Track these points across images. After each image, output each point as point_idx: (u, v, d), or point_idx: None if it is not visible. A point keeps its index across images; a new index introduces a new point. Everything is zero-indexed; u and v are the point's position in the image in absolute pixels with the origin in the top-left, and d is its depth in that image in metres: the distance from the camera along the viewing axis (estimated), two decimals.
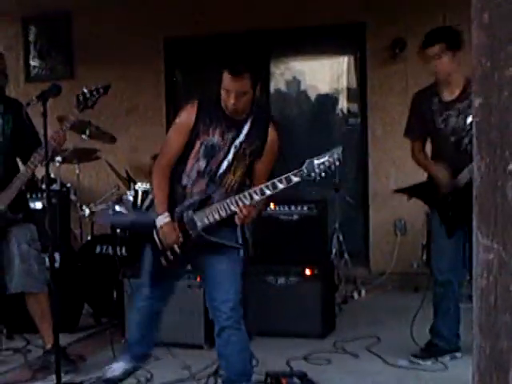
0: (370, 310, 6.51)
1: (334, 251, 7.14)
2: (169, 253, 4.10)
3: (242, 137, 4.04)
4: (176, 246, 4.08)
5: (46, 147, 4.17)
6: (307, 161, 3.80)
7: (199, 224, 4.00)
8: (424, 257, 6.95)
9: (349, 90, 8.37)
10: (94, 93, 4.60)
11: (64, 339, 4.95)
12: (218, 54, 8.41)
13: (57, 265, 5.54)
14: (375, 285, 7.45)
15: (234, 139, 4.03)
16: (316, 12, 7.80)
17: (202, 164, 4.06)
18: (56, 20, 8.68)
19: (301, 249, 5.79)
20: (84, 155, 6.91)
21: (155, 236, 4.09)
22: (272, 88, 8.50)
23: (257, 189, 3.90)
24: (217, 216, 3.96)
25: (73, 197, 6.88)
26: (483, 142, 2.47)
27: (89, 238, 6.70)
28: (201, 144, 4.04)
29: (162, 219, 4.04)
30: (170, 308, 4.58)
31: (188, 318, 5.26)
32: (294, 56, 8.59)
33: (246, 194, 3.90)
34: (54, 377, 4.19)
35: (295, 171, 3.82)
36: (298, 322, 5.57)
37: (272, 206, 5.92)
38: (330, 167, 3.80)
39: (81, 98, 4.59)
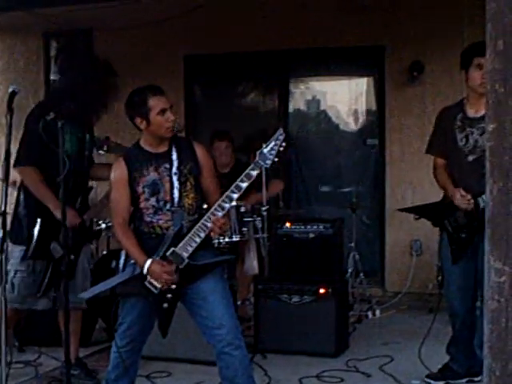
0: (384, 330, 6.50)
1: (349, 270, 7.16)
2: (168, 294, 4.09)
3: (175, 163, 4.15)
4: (172, 284, 4.07)
5: (62, 162, 4.25)
6: (257, 153, 3.99)
7: (185, 254, 4.03)
8: (439, 277, 6.93)
9: (367, 111, 8.42)
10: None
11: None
12: (237, 72, 8.54)
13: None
14: (390, 305, 7.44)
15: (170, 170, 4.15)
16: (336, 34, 7.88)
17: (153, 202, 4.15)
18: (77, 36, 8.75)
19: (316, 267, 5.79)
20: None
21: (148, 284, 4.08)
22: (291, 107, 8.56)
23: (224, 197, 3.99)
24: (198, 239, 4.01)
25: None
26: (496, 166, 2.49)
27: (104, 252, 6.74)
28: (143, 187, 4.15)
29: (148, 263, 4.04)
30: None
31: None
32: (314, 76, 8.65)
33: (216, 206, 3.98)
34: None
35: (252, 166, 4.00)
36: (312, 340, 5.57)
37: (288, 224, 5.94)
38: (279, 150, 3.99)
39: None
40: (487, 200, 4.32)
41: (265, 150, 3.98)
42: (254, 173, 3.99)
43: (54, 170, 4.53)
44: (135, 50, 8.30)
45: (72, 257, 4.81)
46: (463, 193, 4.60)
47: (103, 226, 6.61)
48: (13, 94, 4.34)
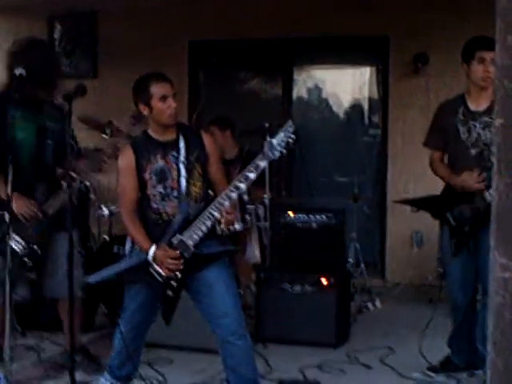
0: (385, 321, 6.49)
1: (350, 260, 7.16)
2: (173, 282, 4.10)
3: (182, 152, 4.16)
4: (177, 272, 4.07)
5: (67, 146, 4.22)
6: (266, 143, 3.97)
7: (190, 242, 4.04)
8: (440, 269, 6.94)
9: (370, 100, 8.40)
10: None
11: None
12: (241, 59, 8.52)
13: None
14: (390, 295, 7.43)
15: (177, 158, 4.16)
16: (340, 22, 7.84)
17: (160, 189, 4.17)
18: (82, 19, 8.73)
19: (318, 257, 5.80)
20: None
21: (152, 271, 4.08)
22: (295, 95, 8.55)
23: (231, 187, 4.00)
24: (204, 228, 4.02)
25: (92, 196, 6.92)
26: (503, 161, 2.49)
27: (106, 237, 6.73)
28: (150, 174, 4.17)
29: (153, 249, 4.06)
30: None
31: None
32: (317, 64, 8.63)
33: (223, 195, 3.99)
34: (66, 374, 4.20)
35: (260, 156, 3.98)
36: (313, 330, 5.57)
37: (291, 213, 5.95)
38: (287, 142, 3.98)
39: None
40: (494, 194, 4.37)
41: (274, 141, 3.97)
42: (263, 164, 3.98)
43: (6, 158, 4.37)
44: (139, 34, 8.27)
45: (36, 249, 4.72)
46: (472, 172, 4.58)
47: (106, 211, 6.63)
48: (20, 77, 4.32)
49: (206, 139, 4.29)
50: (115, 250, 6.23)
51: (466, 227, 4.66)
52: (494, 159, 4.31)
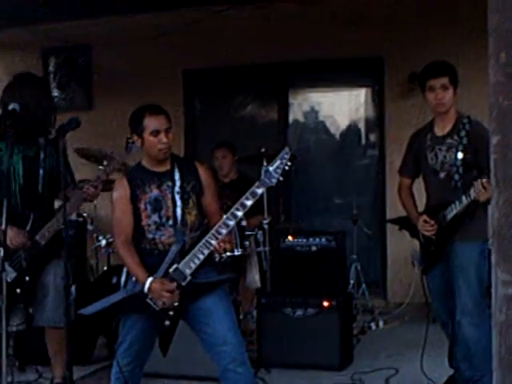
0: (388, 342, 6.47)
1: (351, 281, 7.15)
2: (170, 311, 4.07)
3: (178, 182, 4.16)
4: (174, 302, 4.05)
5: (62, 181, 4.22)
6: (263, 171, 4.00)
7: (188, 271, 4.02)
8: None
9: (367, 121, 8.42)
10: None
11: (77, 372, 4.86)
12: (236, 85, 8.54)
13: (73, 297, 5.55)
14: (393, 315, 7.40)
15: (172, 187, 4.15)
16: (335, 45, 7.88)
17: (156, 218, 4.15)
18: (76, 51, 8.77)
19: (319, 280, 5.78)
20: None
21: (149, 301, 4.06)
22: (291, 119, 8.56)
23: (228, 215, 3.97)
24: (201, 256, 4.00)
25: (89, 227, 6.91)
26: (501, 178, 2.48)
27: (105, 268, 6.71)
28: (145, 204, 4.15)
29: (149, 282, 4.02)
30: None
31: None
32: (313, 87, 8.66)
33: (221, 223, 3.97)
34: None
35: (257, 184, 3.98)
36: (316, 354, 5.55)
37: (290, 237, 5.94)
38: (284, 169, 3.96)
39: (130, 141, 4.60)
40: (456, 210, 4.36)
41: (270, 168, 3.97)
42: (260, 191, 3.97)
43: None
44: (134, 65, 8.31)
45: (27, 278, 4.71)
46: (427, 218, 4.75)
47: (103, 242, 6.62)
48: (13, 112, 4.32)
49: (201, 171, 4.28)
50: (114, 280, 6.20)
51: (431, 247, 4.78)
52: (457, 178, 4.50)
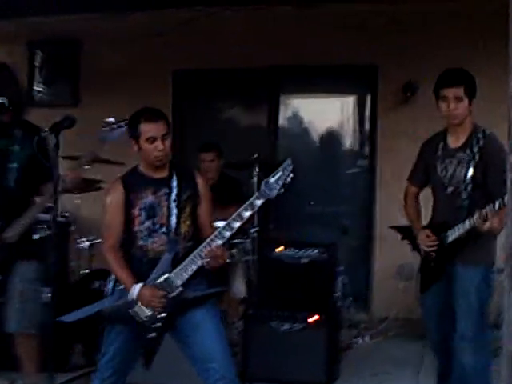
0: (374, 357, 6.36)
1: (337, 295, 7.01)
2: (157, 324, 3.94)
3: (175, 190, 4.05)
4: (162, 312, 3.94)
5: (56, 180, 4.01)
6: (263, 182, 3.88)
7: (179, 282, 3.92)
8: None
9: (359, 131, 8.31)
10: (122, 124, 4.43)
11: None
12: (226, 88, 8.41)
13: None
14: (377, 330, 7.28)
15: (169, 195, 4.04)
16: (329, 51, 7.75)
17: (149, 224, 4.04)
18: (64, 46, 8.58)
19: (308, 293, 5.66)
20: (86, 185, 6.74)
21: (136, 311, 3.94)
22: (280, 125, 8.42)
23: (225, 225, 3.89)
24: (194, 267, 3.91)
25: (72, 227, 6.72)
26: None
27: (86, 271, 6.50)
28: (139, 210, 4.05)
29: (137, 289, 3.92)
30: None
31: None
32: (305, 93, 8.52)
33: (217, 233, 3.87)
34: None
35: (256, 194, 3.89)
36: (302, 369, 5.42)
37: (280, 248, 5.79)
38: (285, 180, 3.87)
39: (107, 128, 4.43)
40: (459, 233, 4.23)
41: (271, 180, 3.86)
42: (259, 202, 3.87)
43: None
44: (123, 63, 8.13)
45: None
46: (429, 233, 4.61)
47: (86, 243, 6.43)
48: (2, 106, 4.19)
49: (200, 181, 4.19)
50: (95, 285, 6.03)
51: (431, 263, 4.65)
52: (465, 196, 4.39)
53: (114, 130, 4.45)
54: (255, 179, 6.29)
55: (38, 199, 4.69)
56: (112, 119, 4.46)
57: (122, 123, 4.41)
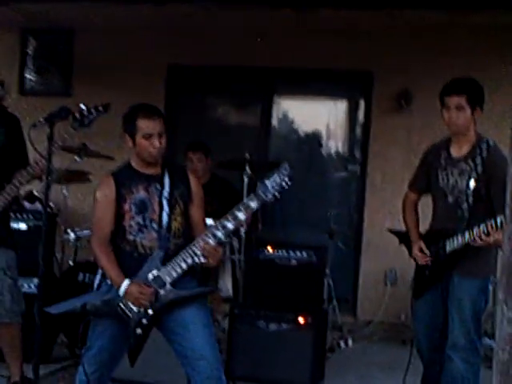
0: (358, 361, 6.36)
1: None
2: (144, 319, 3.90)
3: (167, 187, 4.03)
4: (149, 309, 3.90)
5: (48, 169, 3.96)
6: (259, 184, 3.83)
7: (168, 279, 3.88)
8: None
9: (351, 135, 8.33)
10: (93, 111, 4.31)
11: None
12: (221, 86, 8.38)
13: (35, 291, 5.36)
14: (361, 333, 7.31)
15: (160, 191, 4.02)
16: (325, 55, 7.76)
17: (139, 220, 4.00)
18: (58, 35, 8.51)
19: (295, 295, 5.63)
20: (74, 177, 6.70)
21: (123, 307, 3.90)
22: (273, 126, 8.42)
23: (217, 224, 3.85)
24: (184, 265, 3.87)
25: (57, 219, 6.66)
26: None
27: (71, 263, 6.44)
28: (130, 205, 4.01)
29: (125, 285, 3.87)
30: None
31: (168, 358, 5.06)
32: (299, 95, 8.56)
33: (209, 233, 3.84)
34: None
35: (251, 196, 3.85)
36: (287, 369, 5.40)
37: (270, 248, 5.77)
38: (281, 184, 3.81)
39: (77, 115, 4.28)
40: (457, 244, 4.22)
41: (267, 182, 3.80)
42: (253, 204, 3.82)
43: None
44: (119, 54, 8.09)
45: None
46: (423, 247, 4.56)
47: (72, 235, 6.36)
48: None
49: (192, 179, 4.16)
50: (80, 277, 5.97)
51: (426, 271, 4.59)
52: (465, 207, 4.33)
53: (85, 117, 4.34)
54: (246, 179, 6.24)
55: (7, 186, 4.63)
56: (83, 106, 4.35)
57: (93, 111, 4.33)
